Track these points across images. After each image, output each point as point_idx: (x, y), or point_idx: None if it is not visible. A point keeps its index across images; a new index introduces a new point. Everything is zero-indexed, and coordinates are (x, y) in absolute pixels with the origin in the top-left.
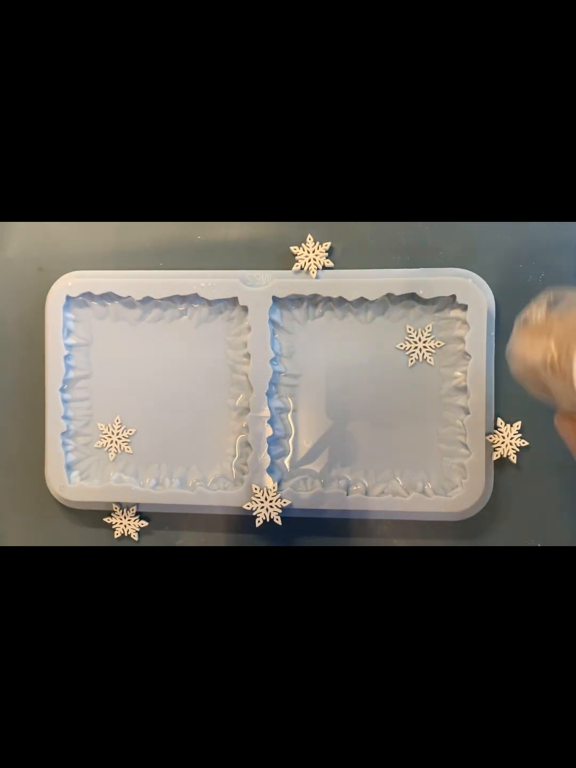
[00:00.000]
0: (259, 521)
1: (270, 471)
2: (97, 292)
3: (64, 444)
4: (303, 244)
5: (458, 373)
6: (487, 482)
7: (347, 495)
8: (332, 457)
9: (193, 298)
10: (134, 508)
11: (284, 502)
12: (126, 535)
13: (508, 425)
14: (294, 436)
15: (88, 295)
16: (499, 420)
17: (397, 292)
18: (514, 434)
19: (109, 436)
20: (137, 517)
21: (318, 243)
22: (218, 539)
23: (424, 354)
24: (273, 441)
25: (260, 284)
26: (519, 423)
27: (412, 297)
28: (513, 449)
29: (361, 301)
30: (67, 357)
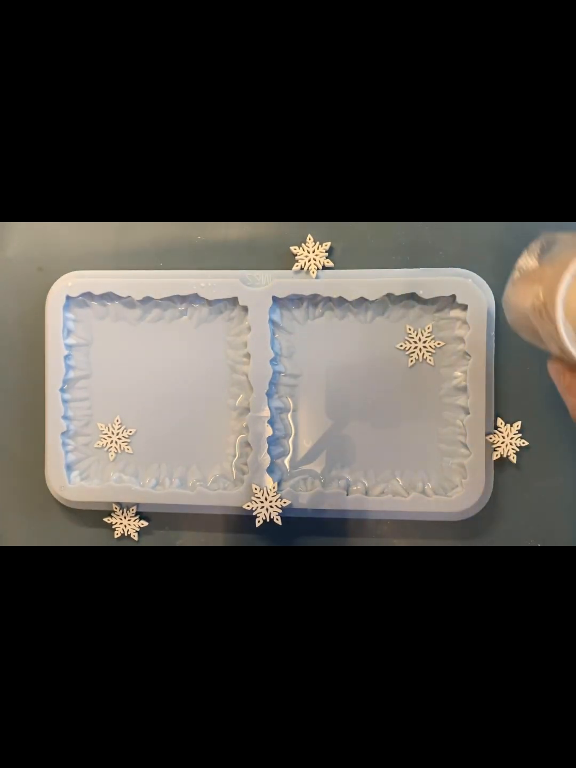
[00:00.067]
0: (259, 521)
1: (270, 471)
2: (97, 292)
3: (64, 444)
4: (303, 244)
5: (458, 373)
6: (487, 482)
7: (347, 495)
8: (332, 457)
9: (193, 298)
10: (134, 508)
11: (284, 502)
12: (126, 535)
13: (508, 425)
14: (294, 436)
15: (88, 295)
16: (499, 420)
17: (397, 292)
18: (514, 434)
19: (109, 436)
20: (137, 517)
21: (318, 243)
22: (218, 539)
23: (424, 354)
24: (273, 441)
25: (260, 284)
26: (519, 423)
27: (412, 297)
28: (513, 449)
29: (361, 301)
30: (67, 357)
